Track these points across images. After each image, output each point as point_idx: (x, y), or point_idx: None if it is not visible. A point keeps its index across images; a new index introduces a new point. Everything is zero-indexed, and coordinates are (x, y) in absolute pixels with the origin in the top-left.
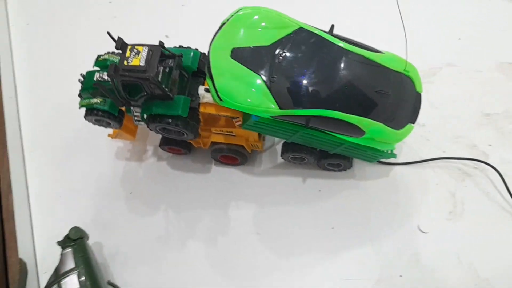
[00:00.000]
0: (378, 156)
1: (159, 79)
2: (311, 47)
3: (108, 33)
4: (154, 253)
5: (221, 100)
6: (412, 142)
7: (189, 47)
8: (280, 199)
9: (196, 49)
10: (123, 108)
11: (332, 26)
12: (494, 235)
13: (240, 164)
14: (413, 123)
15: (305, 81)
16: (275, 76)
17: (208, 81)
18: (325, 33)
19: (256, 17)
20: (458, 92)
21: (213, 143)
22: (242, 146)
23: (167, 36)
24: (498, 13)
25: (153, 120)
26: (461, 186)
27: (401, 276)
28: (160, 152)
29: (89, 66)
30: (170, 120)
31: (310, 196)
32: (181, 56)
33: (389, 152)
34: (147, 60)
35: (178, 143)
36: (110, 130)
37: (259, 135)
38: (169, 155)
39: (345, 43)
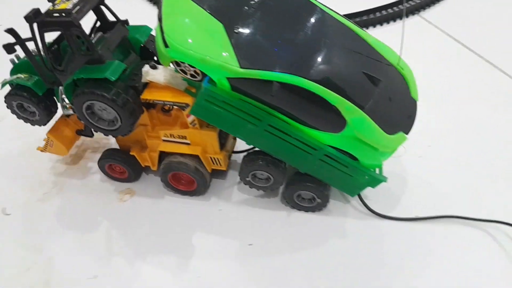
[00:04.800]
0: (362, 179)
1: (93, 42)
2: (290, 5)
3: None
4: None
5: (166, 46)
6: None
7: None
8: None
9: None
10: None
11: None
12: None
13: (197, 191)
14: (407, 133)
15: (277, 39)
16: (240, 27)
17: (156, 28)
18: None
19: None
20: None
21: (162, 155)
22: (198, 159)
23: None
24: None
25: (78, 93)
26: None
27: None
28: (100, 176)
29: None
30: (98, 92)
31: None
32: (126, 22)
33: (377, 172)
34: (76, 5)
35: (121, 159)
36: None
37: (221, 143)
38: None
39: (330, 10)
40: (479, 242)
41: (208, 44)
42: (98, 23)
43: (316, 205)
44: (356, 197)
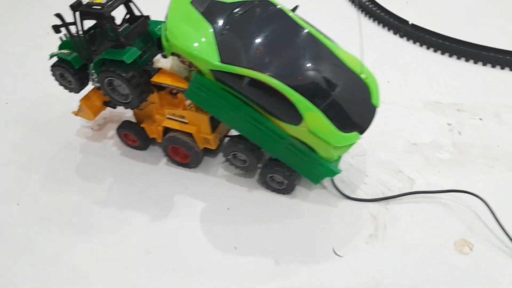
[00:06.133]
0: (321, 169)
1: (120, 30)
2: (270, 16)
3: None
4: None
5: (167, 40)
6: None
7: None
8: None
9: None
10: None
11: (297, 6)
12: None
13: (191, 164)
14: (361, 133)
15: (252, 43)
16: (226, 30)
17: (163, 25)
18: (287, 10)
19: None
20: (386, 125)
21: (165, 130)
22: (192, 138)
23: None
24: (422, 60)
25: (102, 70)
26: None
27: None
28: (116, 142)
29: None
30: (117, 71)
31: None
32: (148, 18)
33: (333, 166)
34: (109, 1)
35: (134, 130)
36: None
37: (213, 127)
38: (125, 148)
39: (305, 23)
40: (442, 213)
41: (198, 42)
42: (128, 16)
43: (284, 188)
44: (320, 185)
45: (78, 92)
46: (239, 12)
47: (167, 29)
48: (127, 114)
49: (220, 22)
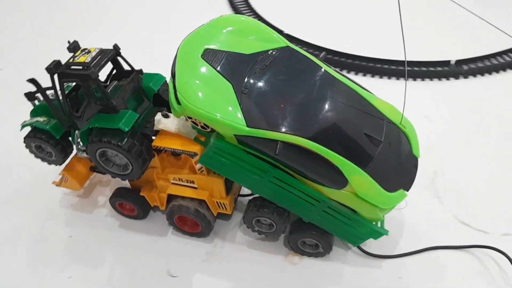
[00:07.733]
0: (364, 231)
1: (109, 90)
2: (296, 67)
3: (69, 42)
4: None
5: (178, 103)
6: None
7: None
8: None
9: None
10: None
11: (324, 53)
12: None
13: (201, 234)
14: (407, 190)
15: (282, 101)
16: (248, 88)
17: (170, 83)
18: (314, 57)
19: (240, 24)
20: None
21: (170, 198)
22: (205, 203)
23: None
24: None
25: (92, 140)
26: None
27: None
28: (109, 211)
29: None
30: (112, 141)
31: None
32: (141, 72)
33: (379, 225)
34: (94, 59)
35: (131, 199)
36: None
37: (227, 189)
38: (121, 217)
39: (335, 72)
40: (464, 268)
41: (218, 104)
42: (114, 71)
43: (319, 251)
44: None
45: (61, 164)
46: (261, 65)
47: (178, 90)
48: None
49: (240, 78)
